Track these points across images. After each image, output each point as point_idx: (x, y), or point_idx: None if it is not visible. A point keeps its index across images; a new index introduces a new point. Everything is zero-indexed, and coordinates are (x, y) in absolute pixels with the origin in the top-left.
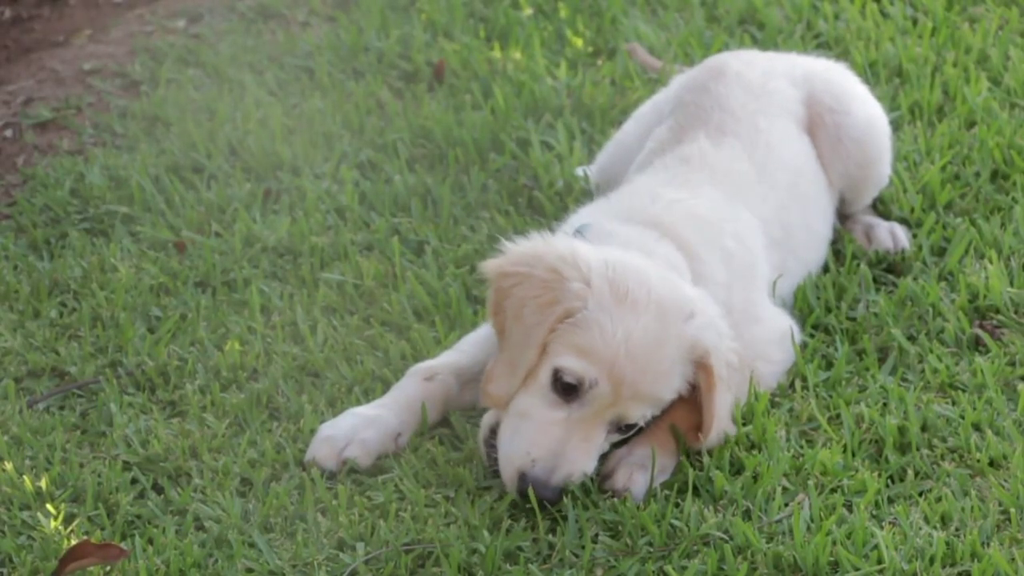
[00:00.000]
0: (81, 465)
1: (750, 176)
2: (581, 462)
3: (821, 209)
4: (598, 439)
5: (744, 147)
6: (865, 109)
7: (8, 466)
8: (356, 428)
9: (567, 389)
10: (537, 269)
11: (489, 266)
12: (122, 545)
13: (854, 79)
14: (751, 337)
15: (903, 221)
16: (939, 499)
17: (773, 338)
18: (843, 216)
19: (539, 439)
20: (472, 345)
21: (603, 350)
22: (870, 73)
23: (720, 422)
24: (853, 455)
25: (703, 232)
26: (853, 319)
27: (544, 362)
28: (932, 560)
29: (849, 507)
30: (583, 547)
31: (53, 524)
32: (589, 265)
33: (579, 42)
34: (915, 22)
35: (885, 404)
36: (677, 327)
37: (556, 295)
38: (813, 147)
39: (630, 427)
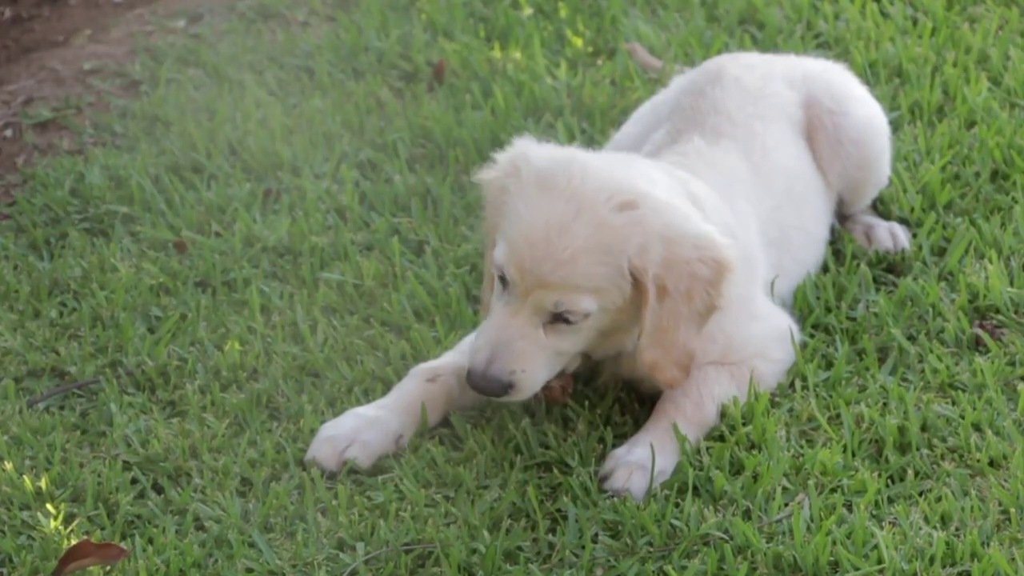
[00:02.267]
0: (81, 465)
1: (746, 176)
2: (523, 359)
3: (818, 211)
4: (534, 333)
5: (740, 150)
6: (864, 110)
7: (8, 466)
8: (357, 429)
9: (501, 280)
10: (492, 174)
11: (480, 177)
12: (122, 545)
13: (853, 80)
14: (748, 334)
15: (903, 221)
16: (939, 499)
17: (771, 336)
18: (843, 216)
19: (484, 335)
20: None
21: (511, 233)
22: (870, 73)
23: (651, 338)
24: (853, 455)
25: (710, 200)
26: (853, 319)
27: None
28: (932, 560)
29: (849, 507)
30: (583, 547)
31: (53, 524)
32: (528, 160)
33: (579, 42)
34: (915, 22)
35: (885, 404)
36: (596, 212)
37: (500, 195)
38: (811, 149)
39: (574, 319)
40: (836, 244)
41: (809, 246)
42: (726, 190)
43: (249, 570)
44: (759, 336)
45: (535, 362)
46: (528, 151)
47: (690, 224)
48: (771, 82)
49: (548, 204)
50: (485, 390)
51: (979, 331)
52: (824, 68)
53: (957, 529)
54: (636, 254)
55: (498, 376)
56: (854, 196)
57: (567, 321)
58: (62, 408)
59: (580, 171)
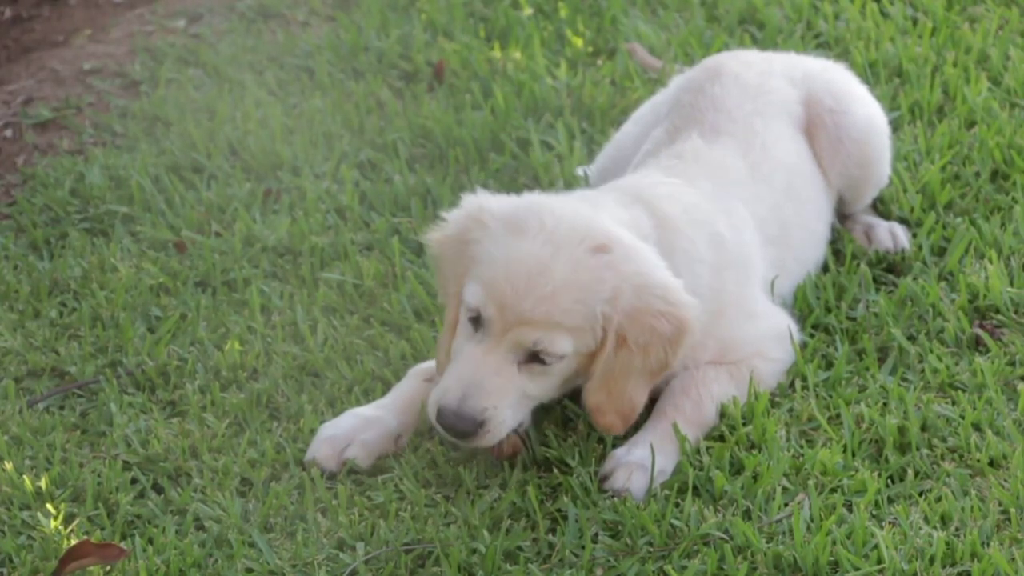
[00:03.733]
0: (81, 465)
1: (744, 174)
2: (495, 396)
3: (818, 209)
4: (509, 371)
5: (739, 147)
6: (865, 109)
7: (8, 466)
8: (357, 429)
9: (474, 321)
10: (449, 231)
11: (430, 238)
12: (122, 545)
13: (853, 79)
14: (745, 333)
15: (903, 221)
16: (939, 499)
17: (769, 335)
18: (843, 216)
19: (455, 373)
20: None
21: (486, 274)
22: (870, 73)
23: (599, 384)
24: (853, 455)
25: (690, 213)
26: (853, 319)
27: (461, 307)
28: (932, 560)
29: (849, 507)
30: (583, 547)
31: (53, 524)
32: (491, 211)
33: (579, 42)
34: (915, 22)
35: (885, 404)
36: (572, 253)
37: (461, 243)
38: (811, 147)
39: (549, 360)
40: (836, 244)
41: (810, 244)
42: (722, 191)
43: (249, 570)
44: (757, 335)
45: (507, 400)
46: (485, 203)
47: (658, 274)
48: (771, 79)
49: (524, 245)
50: (456, 428)
51: (979, 331)
52: (824, 67)
53: (957, 529)
54: (607, 299)
55: (471, 413)
56: (854, 195)
57: (542, 362)
58: (62, 408)
59: (550, 214)
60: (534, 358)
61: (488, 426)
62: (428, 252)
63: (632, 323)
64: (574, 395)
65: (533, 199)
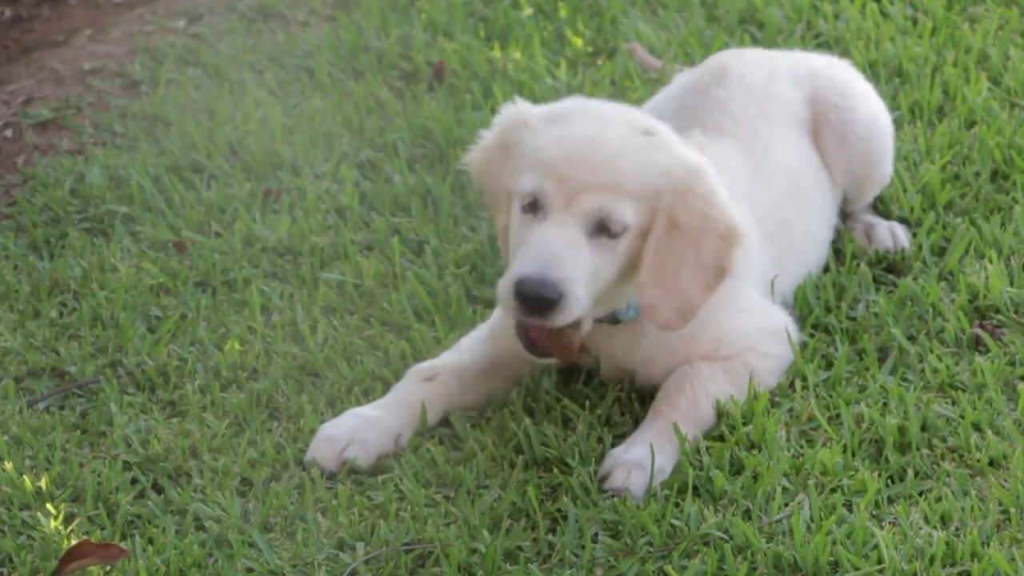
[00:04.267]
0: (81, 465)
1: (745, 174)
2: (571, 267)
3: (821, 211)
4: (580, 243)
5: (741, 148)
6: (870, 106)
7: (8, 466)
8: (356, 429)
9: (532, 207)
10: (489, 141)
11: (468, 159)
12: (122, 545)
13: (858, 76)
14: (737, 327)
15: (903, 221)
16: (939, 499)
17: (763, 330)
18: (844, 214)
19: (523, 254)
20: (473, 345)
21: (537, 156)
22: (870, 73)
23: (652, 274)
24: (853, 455)
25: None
26: (853, 319)
27: (512, 202)
28: (932, 560)
29: (849, 507)
30: (583, 547)
31: (53, 524)
32: (531, 111)
33: (579, 42)
34: (915, 22)
35: (885, 404)
36: (621, 130)
37: (504, 140)
38: (817, 146)
39: (616, 228)
40: (836, 244)
41: (811, 245)
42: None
43: (249, 570)
44: (749, 330)
45: (582, 273)
46: (523, 107)
47: (710, 171)
48: (776, 81)
49: (573, 126)
50: (540, 295)
51: (979, 331)
52: (829, 64)
53: (957, 529)
54: (660, 172)
55: (553, 281)
56: (857, 193)
57: (609, 234)
58: (62, 408)
59: (593, 104)
60: (601, 230)
61: (567, 300)
62: (470, 170)
63: (683, 205)
64: (574, 395)
65: (571, 100)
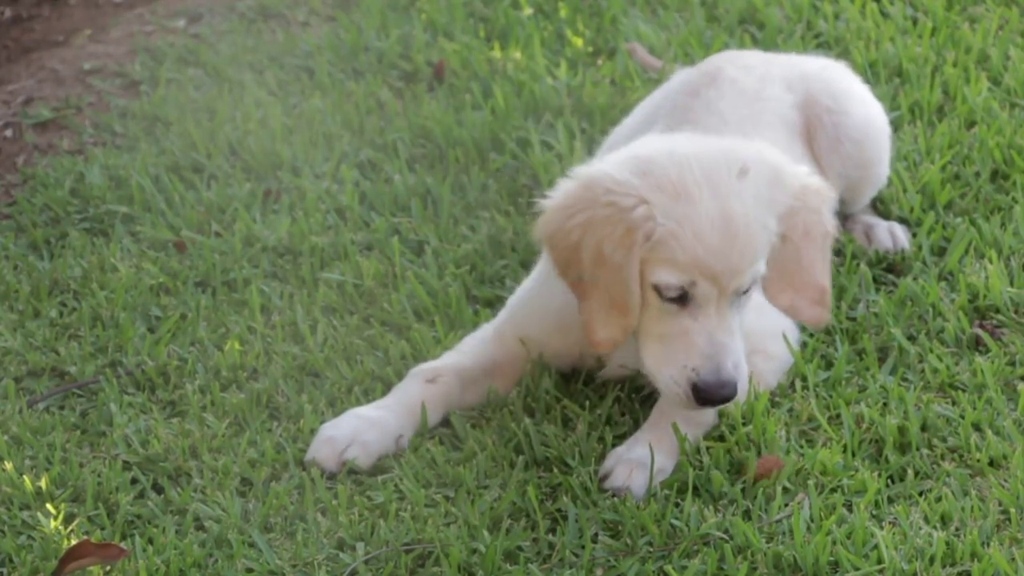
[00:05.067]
0: (81, 465)
1: None
2: (734, 345)
3: None
4: (732, 320)
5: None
6: (864, 109)
7: (8, 466)
8: (358, 430)
9: (678, 299)
10: (594, 209)
11: (542, 227)
12: (122, 545)
13: (853, 78)
14: (750, 327)
15: (903, 221)
16: (939, 499)
17: (770, 332)
18: (843, 216)
19: (687, 349)
20: (474, 346)
21: (683, 255)
22: (870, 73)
23: (779, 283)
24: (853, 455)
25: None
26: (853, 319)
27: (644, 287)
28: (932, 560)
29: (849, 507)
30: (583, 547)
31: (53, 524)
32: (633, 182)
33: (579, 42)
34: (915, 22)
35: (885, 404)
36: (734, 190)
37: (627, 225)
38: (810, 149)
39: (749, 289)
40: (836, 244)
41: None
42: None
43: (249, 570)
44: (759, 331)
45: (741, 346)
46: (618, 178)
47: (785, 161)
48: (768, 85)
49: (696, 209)
50: (728, 395)
51: (979, 331)
52: (823, 66)
53: (957, 529)
54: (785, 209)
55: (733, 376)
56: (853, 195)
57: (745, 292)
58: (62, 408)
59: (686, 160)
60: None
61: (741, 384)
62: (545, 240)
63: (811, 213)
64: (574, 395)
65: (650, 155)
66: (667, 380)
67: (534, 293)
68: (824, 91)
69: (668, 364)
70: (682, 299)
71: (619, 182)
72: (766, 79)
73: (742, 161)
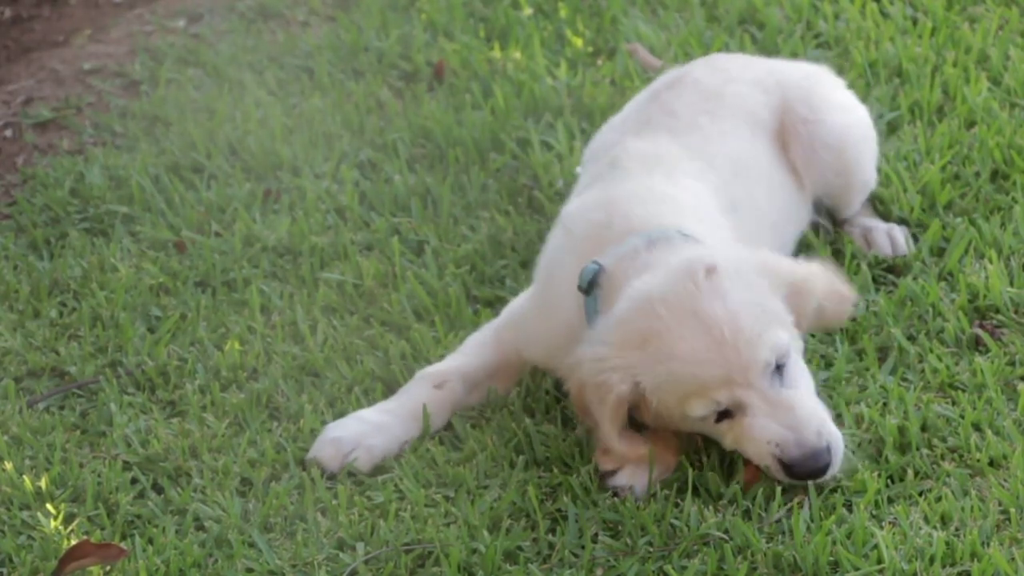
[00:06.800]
0: (81, 465)
1: (679, 153)
2: (805, 414)
3: (781, 205)
4: (787, 395)
5: (673, 137)
6: (842, 116)
7: (8, 466)
8: (364, 434)
9: (718, 417)
10: (581, 386)
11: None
12: (122, 545)
13: (834, 85)
14: None
15: (903, 221)
16: (939, 499)
17: None
18: (841, 221)
19: (763, 434)
20: (477, 347)
21: (688, 383)
22: (870, 73)
23: (823, 292)
24: (853, 455)
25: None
26: (853, 319)
27: (681, 413)
28: (932, 560)
29: (849, 507)
30: (583, 547)
31: (53, 524)
32: (604, 352)
33: (579, 42)
34: (915, 22)
35: (885, 404)
36: (704, 295)
37: (604, 391)
38: (788, 158)
39: (785, 360)
40: (836, 245)
41: (764, 228)
42: (668, 173)
43: (249, 570)
44: None
45: (802, 397)
46: (603, 352)
47: (744, 255)
48: (734, 84)
49: (658, 346)
50: (826, 463)
51: (979, 331)
52: (805, 75)
53: (957, 529)
54: (749, 288)
55: (820, 443)
56: (839, 202)
57: (782, 367)
58: (62, 408)
59: (640, 299)
60: (778, 369)
61: (832, 445)
62: (589, 406)
63: (796, 301)
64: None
65: (610, 319)
66: (755, 458)
67: (532, 313)
68: (801, 99)
69: (755, 449)
70: (720, 416)
71: (586, 357)
72: (732, 79)
73: (704, 264)
